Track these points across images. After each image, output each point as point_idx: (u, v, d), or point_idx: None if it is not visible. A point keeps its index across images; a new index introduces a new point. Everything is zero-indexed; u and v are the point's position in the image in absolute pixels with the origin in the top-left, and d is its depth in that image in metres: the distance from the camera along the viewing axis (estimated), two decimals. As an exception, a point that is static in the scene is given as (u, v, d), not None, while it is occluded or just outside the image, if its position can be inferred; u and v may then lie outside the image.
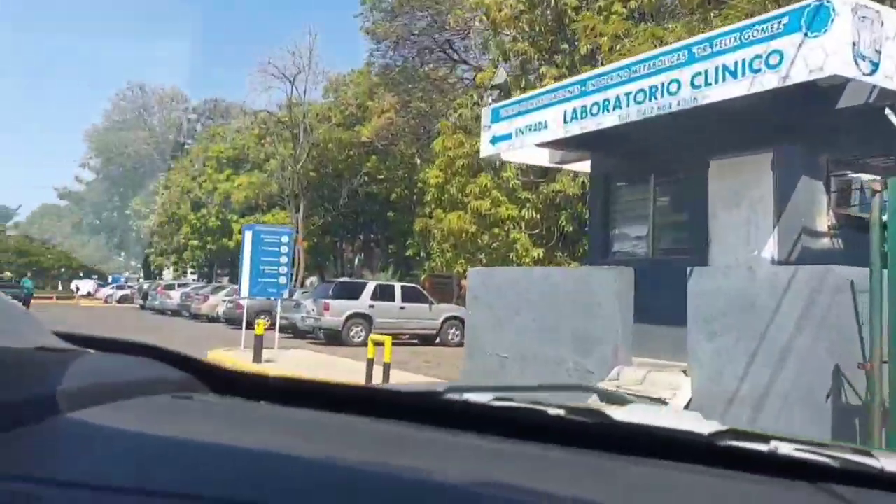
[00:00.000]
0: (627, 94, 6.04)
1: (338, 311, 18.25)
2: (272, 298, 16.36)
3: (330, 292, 18.49)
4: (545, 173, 20.88)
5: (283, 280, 15.55)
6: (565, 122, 6.73)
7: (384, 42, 25.73)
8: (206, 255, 39.25)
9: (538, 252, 19.45)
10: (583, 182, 19.20)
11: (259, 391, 1.05)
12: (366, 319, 18.60)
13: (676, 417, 0.97)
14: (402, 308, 18.96)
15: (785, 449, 0.83)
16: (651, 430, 0.89)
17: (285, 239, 15.58)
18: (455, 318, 19.59)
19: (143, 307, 37.01)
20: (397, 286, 19.56)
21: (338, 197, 37.33)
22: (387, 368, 8.77)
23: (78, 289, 53.66)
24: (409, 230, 37.80)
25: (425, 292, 20.08)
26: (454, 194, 20.90)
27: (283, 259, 15.47)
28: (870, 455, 0.83)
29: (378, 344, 9.52)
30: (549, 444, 0.89)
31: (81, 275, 61.27)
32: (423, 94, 28.57)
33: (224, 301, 26.92)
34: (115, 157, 50.51)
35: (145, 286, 38.54)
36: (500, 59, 21.12)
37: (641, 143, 6.95)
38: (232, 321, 25.66)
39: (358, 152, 35.75)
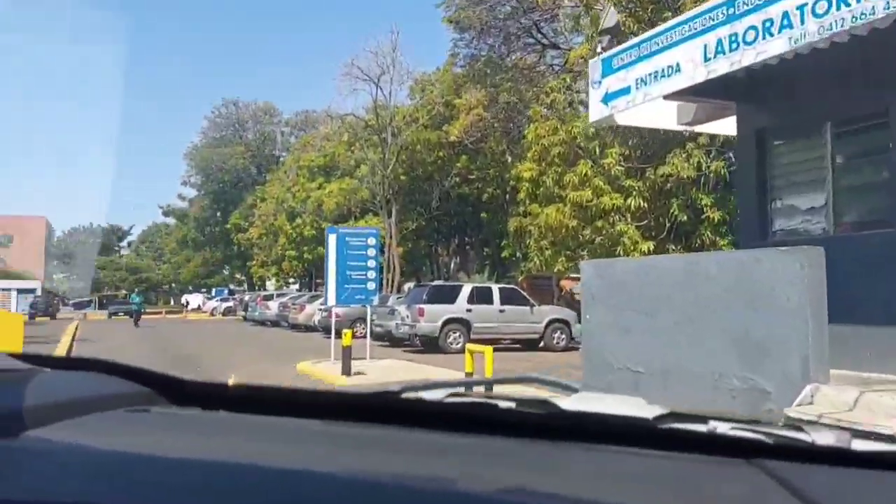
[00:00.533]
0: (802, 7, 4.39)
1: (433, 316, 17.05)
2: (361, 305, 15.29)
3: (424, 296, 17.31)
4: (651, 157, 18.95)
5: (371, 285, 14.47)
6: (706, 59, 5.16)
7: (468, 31, 24.40)
8: (303, 264, 39.26)
9: (648, 245, 17.57)
10: (698, 163, 17.17)
11: (218, 400, 1.05)
12: (463, 325, 17.30)
13: (621, 403, 0.99)
14: (501, 311, 17.54)
15: (722, 428, 0.87)
16: (598, 417, 0.92)
17: (372, 241, 14.50)
18: (560, 320, 17.98)
19: (244, 318, 37.35)
20: (495, 288, 18.16)
21: (429, 200, 36.38)
22: (489, 385, 7.36)
23: (188, 303, 55.45)
24: (503, 231, 36.37)
25: (525, 294, 18.55)
26: (550, 186, 19.30)
27: (371, 262, 14.39)
28: (801, 430, 0.87)
29: (475, 352, 8.14)
30: (501, 436, 0.91)
31: (191, 289, 63.47)
32: (511, 86, 27.07)
33: (319, 310, 26.35)
34: (214, 173, 51.77)
35: (246, 298, 38.92)
36: (596, 34, 19.34)
37: (816, 79, 5.26)
38: (328, 330, 25.04)
39: (447, 153, 34.66)
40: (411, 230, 35.25)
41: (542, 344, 18.14)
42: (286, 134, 55.98)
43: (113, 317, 47.62)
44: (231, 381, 1.08)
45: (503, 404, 0.95)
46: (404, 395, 1.02)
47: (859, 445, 0.87)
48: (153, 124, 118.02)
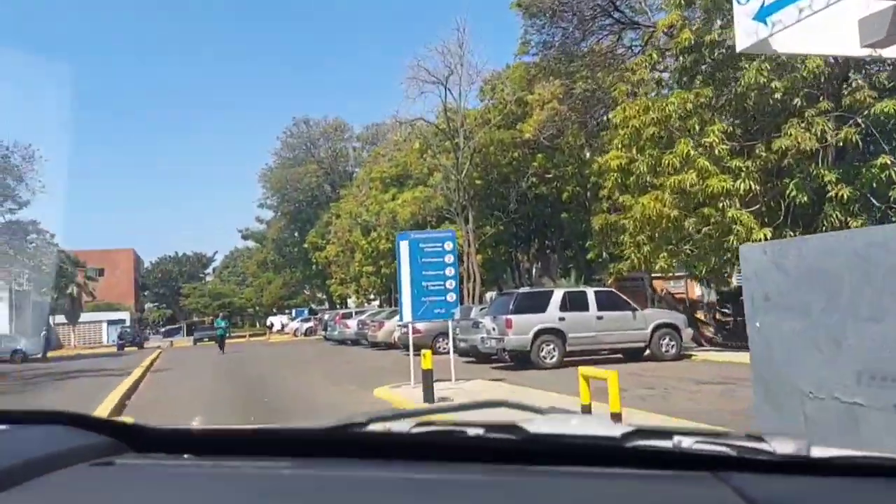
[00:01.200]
0: None
1: (523, 327, 15.20)
2: (442, 320, 13.64)
3: (511, 306, 15.47)
4: (759, 132, 16.56)
5: (451, 297, 12.80)
6: None
7: (538, 17, 22.54)
8: (381, 279, 38.11)
9: (765, 232, 15.19)
10: (822, 132, 14.72)
11: (182, 444, 1.04)
12: (557, 335, 15.38)
13: (587, 423, 1.01)
14: (598, 318, 15.52)
15: (686, 443, 0.88)
16: (566, 439, 0.92)
17: (449, 245, 12.83)
18: (668, 325, 15.80)
19: (325, 338, 36.50)
20: (590, 292, 16.14)
21: (506, 203, 34.55)
22: (616, 418, 5.51)
23: (272, 325, 55.52)
24: (586, 231, 34.13)
25: (625, 297, 16.44)
26: (643, 173, 17.14)
27: (449, 271, 12.72)
28: (762, 440, 0.88)
29: (591, 377, 6.26)
30: (472, 462, 0.92)
31: (274, 311, 63.79)
32: (587, 73, 24.98)
33: (399, 326, 24.95)
34: (289, 194, 51.61)
35: (326, 317, 38.10)
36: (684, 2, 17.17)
37: None
38: (409, 347, 23.61)
39: (522, 152, 32.79)
40: (489, 236, 33.48)
41: (647, 353, 15.99)
42: (358, 149, 55.40)
43: (198, 343, 47.95)
44: (195, 424, 1.12)
45: (472, 431, 0.94)
46: (370, 428, 1.00)
47: (817, 452, 0.88)
48: (230, 150, 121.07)
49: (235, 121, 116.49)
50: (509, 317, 15.28)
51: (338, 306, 55.79)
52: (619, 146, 18.52)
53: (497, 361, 17.43)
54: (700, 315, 22.56)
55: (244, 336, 53.64)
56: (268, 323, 60.37)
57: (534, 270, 43.02)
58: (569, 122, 29.29)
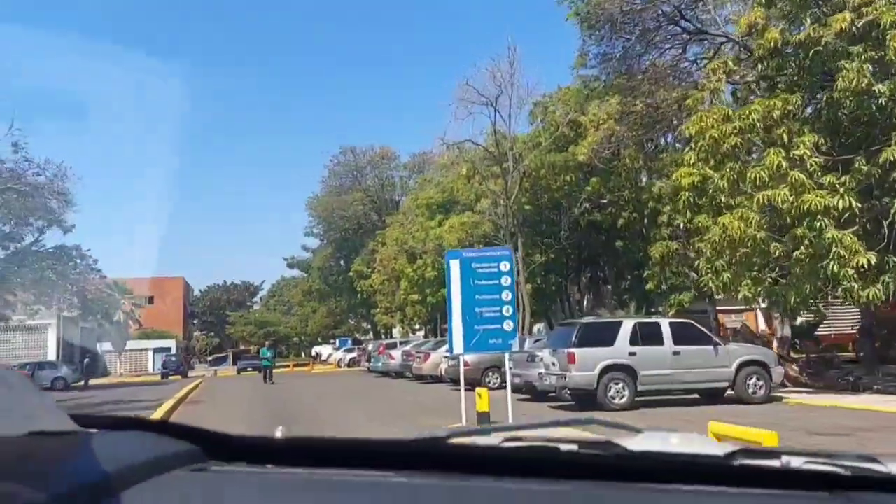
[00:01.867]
0: None
1: (588, 362, 13.26)
2: (498, 353, 11.85)
3: (574, 338, 13.54)
4: (857, 143, 14.47)
5: (508, 325, 11.01)
6: None
7: (598, 29, 20.87)
8: (427, 308, 36.44)
9: (868, 257, 13.02)
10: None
11: (265, 454, 1.03)
12: (626, 372, 13.39)
13: (687, 441, 0.96)
14: (675, 353, 13.47)
15: (796, 462, 0.85)
16: (666, 457, 0.88)
17: (506, 266, 11.09)
18: (756, 362, 13.66)
19: (368, 369, 34.89)
20: (664, 323, 14.09)
21: (557, 230, 32.68)
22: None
23: (318, 354, 54.14)
24: (642, 260, 31.98)
25: (705, 330, 14.35)
26: (723, 189, 15.13)
27: (506, 295, 10.96)
28: (875, 461, 0.86)
29: (724, 436, 4.33)
30: (566, 479, 0.86)
31: (319, 340, 62.62)
32: (648, 89, 23.16)
33: (446, 358, 23.16)
34: (335, 222, 50.64)
35: (369, 347, 36.53)
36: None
37: None
38: (456, 381, 21.71)
39: (574, 176, 30.97)
40: (538, 265, 31.55)
41: (730, 393, 13.83)
42: (404, 178, 54.33)
43: (242, 373, 46.85)
44: (279, 434, 1.06)
45: (565, 447, 0.90)
46: (457, 441, 0.97)
47: None
48: (281, 178, 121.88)
49: (287, 150, 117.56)
50: (572, 350, 13.36)
51: (382, 336, 54.27)
52: (692, 161, 16.57)
53: (555, 400, 15.48)
54: (778, 351, 20.18)
55: (288, 366, 52.41)
56: (313, 353, 59.19)
57: (585, 302, 40.81)
58: (626, 143, 27.42)
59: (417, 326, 48.56)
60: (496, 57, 27.86)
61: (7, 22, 54.84)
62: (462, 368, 12.50)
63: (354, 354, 42.91)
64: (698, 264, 16.14)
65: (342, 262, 53.93)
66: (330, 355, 53.64)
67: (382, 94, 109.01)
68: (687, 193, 16.86)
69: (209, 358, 66.63)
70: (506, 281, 11.00)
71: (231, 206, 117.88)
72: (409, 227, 36.50)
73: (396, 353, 28.79)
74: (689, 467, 0.87)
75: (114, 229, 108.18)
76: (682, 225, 26.80)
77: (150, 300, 75.56)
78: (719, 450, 0.87)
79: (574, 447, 0.90)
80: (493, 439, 0.96)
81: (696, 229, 16.60)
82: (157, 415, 16.43)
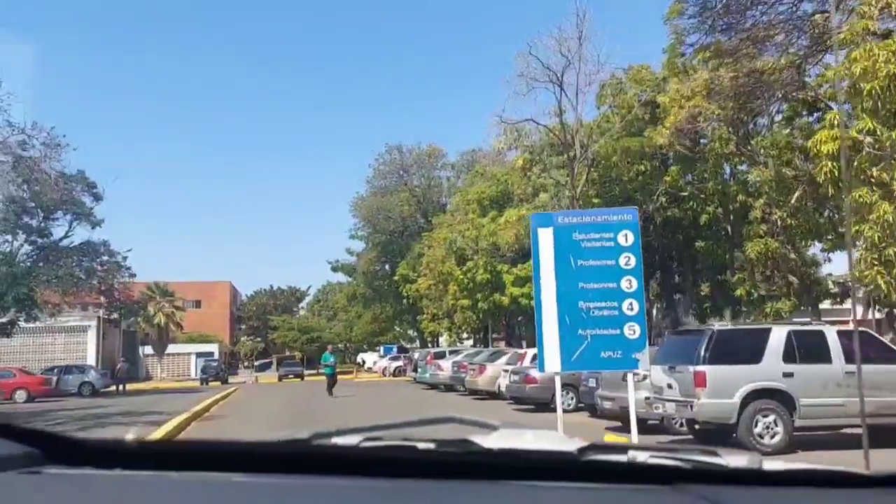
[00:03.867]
0: None
1: (725, 385, 9.08)
2: (620, 371, 7.85)
3: (704, 351, 9.30)
4: None
5: (633, 330, 6.97)
6: None
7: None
8: (478, 315, 32.45)
9: None
10: None
11: (116, 458, 0.98)
12: (780, 400, 9.13)
13: (541, 438, 0.95)
14: (848, 373, 9.17)
15: (642, 457, 0.87)
16: (520, 453, 0.89)
17: (628, 237, 7.05)
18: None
19: (415, 380, 31.06)
20: (830, 332, 9.71)
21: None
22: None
23: (363, 362, 50.53)
24: (727, 262, 27.46)
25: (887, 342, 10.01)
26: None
27: (629, 283, 6.92)
28: (716, 454, 0.88)
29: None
30: (423, 478, 0.87)
31: (365, 347, 59.10)
32: (752, 51, 18.82)
33: (506, 372, 19.14)
34: (380, 223, 47.07)
35: (416, 356, 32.68)
36: None
37: None
38: (520, 400, 17.65)
39: (651, 165, 26.67)
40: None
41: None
42: (452, 178, 50.51)
43: (283, 380, 43.56)
44: (129, 437, 0.99)
45: (422, 445, 0.89)
46: (316, 442, 0.94)
47: (769, 465, 0.88)
48: (328, 181, 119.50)
49: (336, 156, 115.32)
50: (702, 369, 9.16)
51: (429, 344, 50.47)
52: (835, 123, 12.28)
53: (663, 432, 11.29)
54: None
55: (331, 373, 49.06)
56: (358, 360, 55.74)
57: (655, 311, 36.21)
58: (717, 122, 23.02)
59: (466, 335, 44.57)
60: (562, 26, 23.77)
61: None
62: (559, 388, 8.44)
63: (400, 363, 39.15)
64: (862, 255, 11.68)
65: (387, 266, 50.35)
66: (375, 363, 50.11)
67: (430, 87, 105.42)
68: (830, 164, 12.51)
69: (255, 363, 63.93)
70: (628, 261, 6.99)
71: (278, 207, 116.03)
72: (459, 227, 32.59)
73: (446, 364, 24.86)
74: (542, 463, 0.87)
75: (161, 232, 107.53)
76: (778, 221, 22.37)
77: (198, 304, 73.49)
78: (572, 446, 0.87)
79: (431, 445, 0.89)
80: (354, 439, 0.93)
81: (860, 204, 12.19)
82: (159, 433, 12.92)
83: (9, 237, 28.94)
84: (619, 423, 12.67)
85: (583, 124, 26.00)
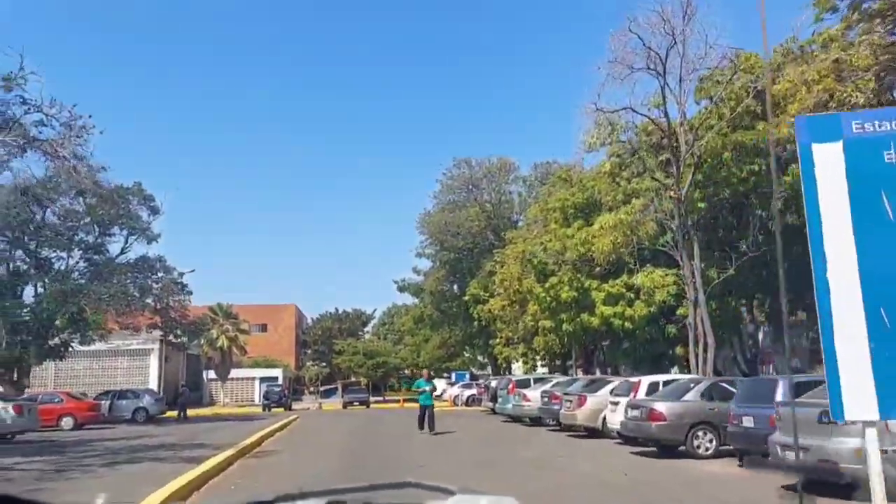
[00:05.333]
0: None
1: None
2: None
3: None
4: None
5: None
6: None
7: None
8: (562, 338, 28.72)
9: None
10: None
11: None
12: None
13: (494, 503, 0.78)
14: None
15: None
16: None
17: None
18: None
19: (492, 411, 27.53)
20: None
21: (736, 237, 24.34)
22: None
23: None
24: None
25: None
26: None
27: None
28: None
29: None
30: None
31: (432, 374, 55.82)
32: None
33: (614, 405, 15.50)
34: (448, 240, 44.00)
35: (493, 384, 29.12)
36: None
37: None
38: (638, 440, 13.91)
39: (765, 163, 22.68)
40: (715, 284, 23.17)
41: None
42: (523, 195, 47.13)
43: (348, 407, 40.65)
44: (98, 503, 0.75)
45: None
46: None
47: None
48: (395, 203, 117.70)
49: (402, 173, 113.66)
50: None
51: (502, 371, 46.77)
52: None
53: (841, 493, 7.46)
54: None
55: (398, 401, 45.85)
56: (425, 386, 52.45)
57: (761, 335, 31.65)
58: (851, 107, 18.94)
59: (542, 361, 40.73)
60: (664, 3, 20.22)
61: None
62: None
63: (474, 391, 35.58)
64: None
65: (456, 287, 47.14)
66: (444, 391, 46.79)
67: (499, 97, 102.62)
68: None
69: (321, 389, 61.51)
70: None
71: (344, 228, 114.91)
72: (538, 239, 29.08)
73: (533, 394, 21.29)
74: None
75: (228, 255, 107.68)
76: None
77: (263, 328, 72.07)
78: None
79: None
80: (317, 503, 0.81)
81: None
82: (195, 472, 10.01)
83: (63, 254, 27.17)
84: (795, 480, 8.90)
85: (686, 117, 22.29)
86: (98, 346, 42.44)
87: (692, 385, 13.58)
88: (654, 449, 13.61)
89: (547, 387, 21.13)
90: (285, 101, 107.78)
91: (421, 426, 18.58)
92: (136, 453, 14.64)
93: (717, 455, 12.54)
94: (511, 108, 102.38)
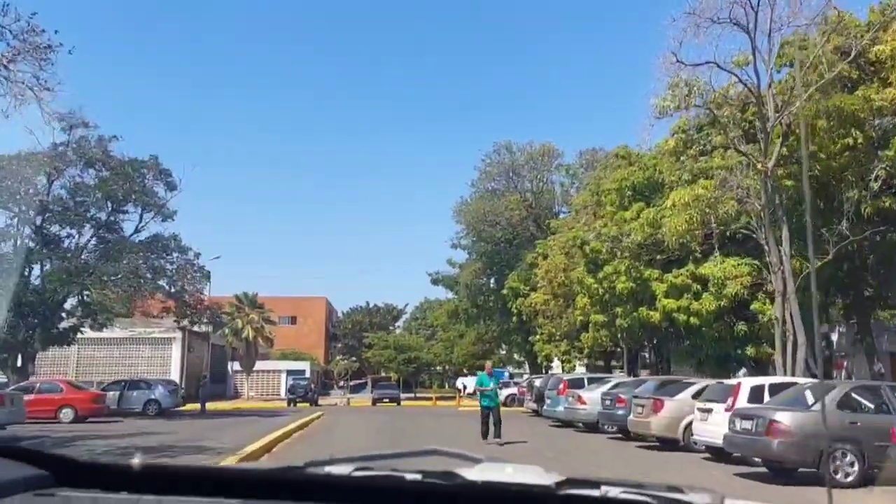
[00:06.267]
0: None
1: None
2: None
3: None
4: None
5: None
6: None
7: None
8: (616, 334, 25.54)
9: None
10: None
11: (122, 481, 0.98)
12: None
13: (522, 471, 0.98)
14: None
15: (613, 492, 0.92)
16: (500, 486, 0.92)
17: None
18: None
19: (536, 412, 24.54)
20: None
21: (831, 221, 20.90)
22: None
23: (464, 387, 44.26)
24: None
25: None
26: None
27: None
28: (681, 491, 0.92)
29: None
30: None
31: (465, 371, 52.94)
32: None
33: (705, 411, 12.41)
34: (486, 230, 41.01)
35: (538, 383, 26.09)
36: None
37: None
38: (742, 457, 10.80)
39: (864, 136, 19.29)
40: (805, 274, 19.77)
41: None
42: (566, 184, 43.92)
43: (377, 403, 37.97)
44: (135, 461, 1.00)
45: (410, 476, 0.94)
46: (311, 471, 0.98)
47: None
48: (427, 197, 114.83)
49: (436, 167, 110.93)
50: None
51: (542, 370, 43.63)
52: None
53: None
54: None
55: (430, 398, 43.06)
56: (457, 384, 49.61)
57: (835, 335, 28.05)
58: None
59: (582, 360, 37.36)
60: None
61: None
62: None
63: (513, 390, 32.56)
64: None
65: (493, 280, 44.15)
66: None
67: (545, 75, 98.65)
68: None
69: (350, 383, 59.08)
70: None
71: (376, 221, 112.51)
72: (593, 224, 25.95)
73: (590, 396, 18.26)
74: (521, 495, 0.90)
75: (257, 246, 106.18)
76: None
77: (293, 320, 69.93)
78: (549, 479, 0.91)
79: (418, 476, 0.92)
80: (346, 469, 0.95)
81: None
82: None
83: (73, 231, 24.84)
84: None
85: (774, 80, 19.00)
86: (118, 332, 40.38)
87: (810, 390, 10.41)
88: (764, 470, 10.53)
89: (606, 387, 18.07)
90: (314, 86, 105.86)
91: (485, 434, 14.79)
92: (114, 458, 12.01)
93: (862, 482, 9.41)
94: (554, 94, 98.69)
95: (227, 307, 38.67)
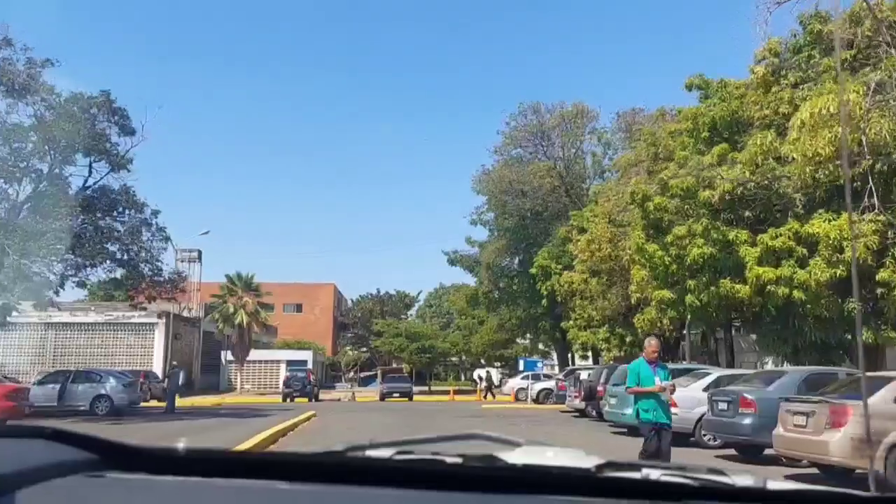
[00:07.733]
0: None
1: None
2: None
3: None
4: None
5: None
6: None
7: None
8: (684, 313, 19.91)
9: None
10: None
11: (168, 465, 1.00)
12: None
13: (563, 454, 0.99)
14: None
15: (654, 475, 0.91)
16: (541, 469, 0.92)
17: None
18: None
19: (582, 413, 19.09)
20: None
21: None
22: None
23: (481, 379, 38.83)
24: None
25: None
26: None
27: None
28: (723, 474, 0.92)
29: None
30: (450, 490, 0.91)
31: (482, 361, 47.50)
32: None
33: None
34: (511, 202, 35.37)
35: (584, 376, 20.55)
36: None
37: None
38: None
39: None
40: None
41: None
42: (598, 153, 38.20)
43: (386, 399, 32.58)
44: (181, 445, 1.01)
45: (450, 460, 0.93)
46: (351, 454, 0.98)
47: (773, 485, 0.91)
48: (445, 179, 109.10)
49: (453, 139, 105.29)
50: None
51: (571, 361, 38.12)
52: None
53: None
54: None
55: (448, 392, 37.65)
56: (475, 376, 44.23)
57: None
58: None
59: (609, 353, 31.63)
60: None
61: None
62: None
63: (549, 384, 27.08)
64: None
65: (517, 260, 38.58)
66: (496, 383, 38.45)
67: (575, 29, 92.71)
68: None
69: (360, 375, 53.81)
70: None
71: (388, 207, 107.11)
72: (659, 174, 20.25)
73: (685, 395, 12.62)
74: (561, 479, 0.90)
75: (263, 230, 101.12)
76: None
77: (299, 308, 64.86)
78: (589, 463, 0.91)
79: (458, 460, 0.92)
80: (386, 452, 0.96)
81: None
82: None
83: (9, 188, 19.53)
84: None
85: None
86: (94, 317, 35.57)
87: None
88: None
89: (704, 382, 12.48)
90: (324, 68, 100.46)
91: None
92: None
93: None
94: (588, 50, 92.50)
95: (180, 274, 33.27)
